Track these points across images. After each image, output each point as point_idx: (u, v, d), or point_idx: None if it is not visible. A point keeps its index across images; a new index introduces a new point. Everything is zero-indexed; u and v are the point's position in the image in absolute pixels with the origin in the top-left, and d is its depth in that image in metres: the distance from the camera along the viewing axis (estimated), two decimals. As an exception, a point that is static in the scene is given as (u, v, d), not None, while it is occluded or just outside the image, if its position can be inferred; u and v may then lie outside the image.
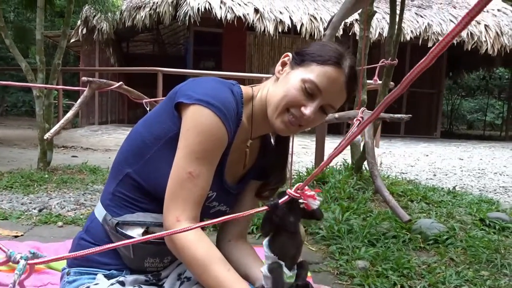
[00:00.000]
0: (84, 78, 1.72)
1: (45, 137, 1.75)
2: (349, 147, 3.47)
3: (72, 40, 9.43)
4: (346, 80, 1.04)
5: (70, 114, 1.73)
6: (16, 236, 2.16)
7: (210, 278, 0.94)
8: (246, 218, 1.28)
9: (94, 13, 8.63)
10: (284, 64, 1.10)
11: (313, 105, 1.04)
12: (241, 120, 1.08)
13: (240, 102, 1.08)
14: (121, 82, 1.93)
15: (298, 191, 0.94)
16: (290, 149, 1.30)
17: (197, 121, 0.98)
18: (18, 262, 0.86)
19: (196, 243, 0.96)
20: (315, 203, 0.97)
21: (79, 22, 9.55)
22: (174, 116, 1.02)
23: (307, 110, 1.03)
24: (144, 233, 1.06)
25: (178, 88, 1.04)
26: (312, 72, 1.03)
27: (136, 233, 1.06)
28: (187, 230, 0.96)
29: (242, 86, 1.12)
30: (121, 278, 1.07)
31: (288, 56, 1.10)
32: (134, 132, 1.11)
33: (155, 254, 1.06)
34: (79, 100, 1.76)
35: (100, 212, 1.11)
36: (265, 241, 1.05)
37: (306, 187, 0.96)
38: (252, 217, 1.33)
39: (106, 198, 1.12)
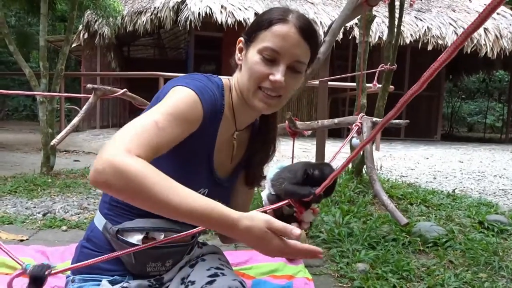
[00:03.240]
0: (89, 86, 1.75)
1: (52, 143, 1.79)
2: (349, 151, 3.50)
3: (73, 45, 9.48)
4: (298, 30, 1.01)
5: (75, 120, 1.76)
6: (21, 240, 2.19)
7: (179, 193, 0.83)
8: (243, 204, 1.30)
9: (95, 18, 8.69)
10: (240, 50, 1.10)
11: (279, 68, 1.02)
12: (223, 112, 1.08)
13: (221, 93, 1.09)
14: (125, 89, 1.97)
15: (304, 201, 0.96)
16: (291, 153, 1.33)
17: (175, 91, 0.99)
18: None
19: (155, 169, 0.84)
20: (310, 217, 1.00)
21: (80, 27, 9.60)
22: None
23: (276, 76, 1.01)
24: (144, 239, 1.08)
25: (161, 88, 1.06)
26: (263, 40, 1.02)
27: (136, 239, 1.08)
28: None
29: (221, 77, 1.13)
30: (124, 284, 1.09)
31: (241, 41, 1.09)
32: None
33: (157, 258, 1.07)
34: (84, 107, 1.80)
35: (99, 221, 1.14)
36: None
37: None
38: (249, 205, 1.34)
39: (104, 207, 1.14)
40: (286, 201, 0.97)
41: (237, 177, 1.25)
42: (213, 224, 0.84)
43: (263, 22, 1.03)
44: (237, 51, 1.11)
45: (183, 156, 1.06)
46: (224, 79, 1.14)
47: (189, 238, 1.16)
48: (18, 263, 0.95)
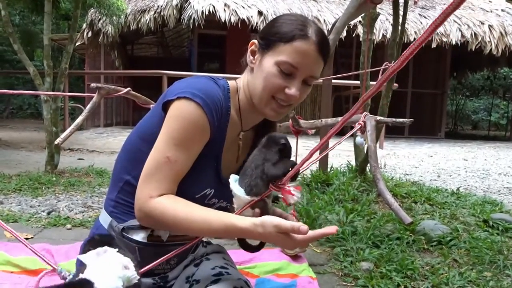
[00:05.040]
0: (93, 85, 1.76)
1: (56, 142, 1.79)
2: (353, 149, 3.50)
3: (77, 43, 9.51)
4: (317, 47, 1.04)
5: (79, 120, 1.77)
6: (26, 239, 2.20)
7: (197, 221, 0.97)
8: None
9: (99, 17, 8.71)
10: (253, 53, 1.10)
11: (295, 83, 1.05)
12: (229, 114, 1.10)
13: (227, 96, 1.10)
14: (129, 88, 1.97)
15: (280, 184, 1.01)
16: (294, 151, 1.33)
17: (179, 110, 1.01)
18: (66, 278, 0.96)
19: (174, 204, 0.99)
20: (293, 199, 1.02)
21: (84, 25, 9.63)
22: (162, 118, 1.04)
23: (292, 91, 1.04)
24: (149, 236, 1.09)
25: (166, 90, 1.07)
26: (282, 53, 1.03)
27: (141, 237, 1.08)
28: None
29: (228, 81, 1.14)
30: None
31: (255, 44, 1.10)
32: (129, 141, 1.15)
33: (161, 256, 1.08)
34: (88, 106, 1.80)
35: (105, 219, 1.14)
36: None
37: (287, 183, 1.01)
38: None
39: (110, 205, 1.14)
40: (252, 200, 1.03)
41: None
42: (231, 237, 1.04)
43: (284, 34, 1.03)
44: (249, 53, 1.11)
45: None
46: (231, 82, 1.14)
47: (193, 236, 1.15)
48: (53, 267, 1.04)
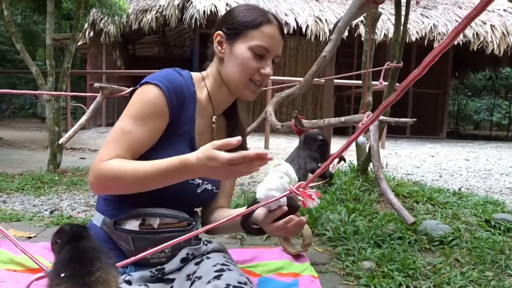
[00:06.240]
0: (96, 84, 1.77)
1: (60, 142, 1.80)
2: (355, 149, 3.50)
3: (79, 43, 9.53)
4: (280, 30, 1.20)
5: (83, 119, 1.78)
6: (29, 238, 2.21)
7: (143, 167, 1.05)
8: (228, 192, 1.40)
9: (101, 16, 8.73)
10: (220, 43, 1.21)
11: (268, 63, 1.19)
12: (195, 98, 1.20)
13: (191, 83, 1.21)
14: (132, 88, 1.97)
15: (300, 189, 1.01)
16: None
17: (141, 91, 1.13)
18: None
19: (121, 162, 1.06)
20: (312, 203, 1.04)
21: (86, 25, 9.64)
22: None
23: (266, 70, 1.19)
24: (141, 225, 1.13)
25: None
26: (254, 38, 1.16)
27: (133, 226, 1.13)
28: (204, 230, 1.01)
29: (191, 72, 1.26)
30: (127, 277, 1.12)
31: (220, 35, 1.20)
32: None
33: (155, 244, 1.08)
34: (91, 106, 1.81)
35: (98, 218, 1.20)
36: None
37: (308, 187, 1.02)
38: (233, 190, 1.46)
39: (101, 205, 1.22)
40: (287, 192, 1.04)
41: None
42: (177, 170, 1.02)
43: (251, 22, 1.17)
44: (216, 44, 1.21)
45: (167, 140, 1.16)
46: (194, 73, 1.27)
47: (185, 224, 1.20)
48: (41, 267, 1.06)
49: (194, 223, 1.23)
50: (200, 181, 1.22)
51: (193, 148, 1.18)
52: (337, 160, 0.92)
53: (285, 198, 1.07)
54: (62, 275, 0.80)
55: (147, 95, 1.11)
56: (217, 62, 1.23)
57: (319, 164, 1.10)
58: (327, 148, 1.10)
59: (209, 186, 1.25)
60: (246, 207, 1.13)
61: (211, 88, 1.24)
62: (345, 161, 1.21)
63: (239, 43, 1.17)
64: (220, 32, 1.20)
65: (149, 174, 1.03)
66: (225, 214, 1.28)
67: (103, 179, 1.06)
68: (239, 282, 1.03)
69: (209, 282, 1.04)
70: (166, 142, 1.16)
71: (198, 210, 1.40)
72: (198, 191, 1.23)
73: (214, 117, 1.26)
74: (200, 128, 1.22)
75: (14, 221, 2.48)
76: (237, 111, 1.35)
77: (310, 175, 1.13)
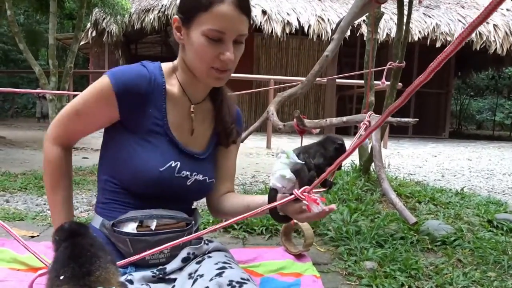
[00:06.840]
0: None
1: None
2: (357, 149, 3.49)
3: (81, 43, 9.55)
4: (235, 6, 1.05)
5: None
6: (32, 237, 2.22)
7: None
8: (231, 175, 1.36)
9: (103, 16, 8.74)
10: (178, 29, 1.13)
11: (227, 47, 1.07)
12: (164, 89, 1.16)
13: (160, 74, 1.17)
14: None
15: (305, 193, 1.00)
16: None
17: (95, 82, 1.13)
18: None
19: (53, 157, 1.22)
20: (317, 208, 1.02)
21: (88, 25, 9.67)
22: None
23: (226, 55, 1.07)
24: (139, 227, 1.13)
25: None
26: (206, 22, 1.05)
27: (130, 228, 1.12)
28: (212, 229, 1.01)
29: (162, 63, 1.23)
30: (128, 277, 1.11)
31: (177, 20, 1.13)
32: (102, 140, 1.26)
33: (153, 246, 1.09)
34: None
35: (97, 221, 1.20)
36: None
37: (313, 192, 1.02)
38: (235, 172, 1.38)
39: (99, 207, 1.22)
40: (292, 196, 1.02)
41: (215, 147, 1.30)
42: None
43: (201, 4, 1.05)
44: (174, 31, 1.14)
45: (140, 135, 1.14)
46: (165, 63, 1.23)
47: (184, 224, 1.20)
48: (46, 264, 1.07)
49: (193, 222, 1.22)
50: (188, 172, 1.18)
51: (172, 141, 1.16)
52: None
53: (291, 173, 1.08)
54: (62, 277, 0.80)
55: (96, 84, 1.12)
56: (181, 50, 1.17)
57: (325, 162, 1.09)
58: (340, 155, 1.07)
59: (200, 177, 1.21)
60: (267, 196, 1.13)
61: (182, 78, 1.19)
62: (331, 187, 1.20)
63: (193, 29, 1.08)
64: (176, 17, 1.12)
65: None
66: (236, 199, 1.26)
67: (44, 155, 1.22)
68: (242, 278, 1.03)
69: (211, 279, 1.03)
70: (141, 139, 1.14)
71: (199, 209, 1.39)
72: (188, 184, 1.20)
73: (192, 106, 1.21)
74: (176, 120, 1.17)
75: (17, 220, 2.49)
76: (222, 91, 1.28)
77: (311, 173, 1.11)
